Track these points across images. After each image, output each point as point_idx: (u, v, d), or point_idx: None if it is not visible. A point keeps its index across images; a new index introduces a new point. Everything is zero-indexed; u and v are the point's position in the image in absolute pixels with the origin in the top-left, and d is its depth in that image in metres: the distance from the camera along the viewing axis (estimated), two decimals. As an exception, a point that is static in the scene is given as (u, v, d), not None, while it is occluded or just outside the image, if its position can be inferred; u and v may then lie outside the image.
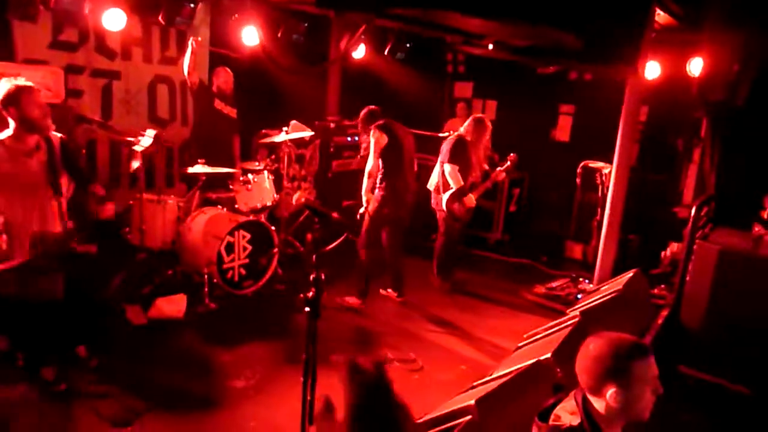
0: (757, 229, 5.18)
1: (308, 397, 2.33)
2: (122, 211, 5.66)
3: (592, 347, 1.78)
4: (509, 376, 3.19)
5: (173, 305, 4.77)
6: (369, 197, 5.33)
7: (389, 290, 5.64)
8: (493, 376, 3.47)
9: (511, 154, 6.04)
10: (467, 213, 5.86)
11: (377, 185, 5.29)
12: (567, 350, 3.44)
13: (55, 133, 3.45)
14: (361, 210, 5.34)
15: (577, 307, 4.52)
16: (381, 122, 5.27)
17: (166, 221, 5.16)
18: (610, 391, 1.72)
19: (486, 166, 6.17)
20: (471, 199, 5.74)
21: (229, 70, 5.91)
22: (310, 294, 2.26)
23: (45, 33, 5.52)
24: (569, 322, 3.90)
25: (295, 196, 2.66)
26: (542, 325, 4.33)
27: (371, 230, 5.30)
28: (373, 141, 5.17)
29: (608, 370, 1.71)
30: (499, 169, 5.99)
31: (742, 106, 5.13)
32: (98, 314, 4.49)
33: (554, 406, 1.89)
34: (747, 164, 5.68)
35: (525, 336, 4.13)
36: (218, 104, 5.76)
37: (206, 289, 4.97)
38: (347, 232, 2.80)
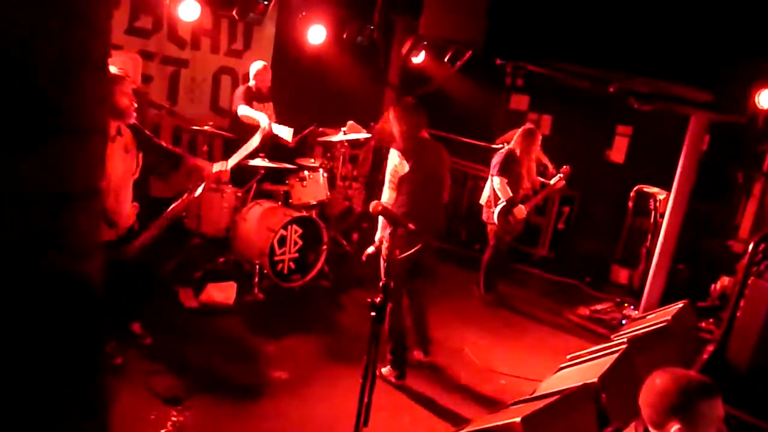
0: (816, 271, 5.02)
1: (365, 399, 2.39)
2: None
3: (659, 381, 1.79)
4: (555, 397, 3.18)
5: (223, 292, 4.91)
6: (383, 235, 4.12)
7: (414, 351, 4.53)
8: (537, 394, 3.47)
9: (565, 166, 5.99)
10: (518, 226, 5.84)
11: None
12: (613, 376, 3.42)
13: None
14: (369, 250, 4.28)
15: (622, 333, 4.47)
16: (409, 145, 4.13)
17: (223, 209, 5.31)
18: (674, 428, 1.73)
19: (540, 179, 6.15)
20: (522, 211, 5.71)
21: (268, 67, 5.90)
22: (378, 299, 2.32)
23: (123, 18, 5.76)
24: (616, 348, 3.87)
25: (372, 204, 2.70)
26: (583, 346, 4.30)
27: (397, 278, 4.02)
28: (391, 167, 4.11)
29: (674, 407, 1.72)
30: (553, 181, 5.95)
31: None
32: (153, 294, 4.66)
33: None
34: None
35: (568, 357, 4.11)
36: (255, 106, 5.76)
37: (256, 279, 5.10)
38: (422, 242, 2.82)
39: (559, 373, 3.93)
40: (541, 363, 4.70)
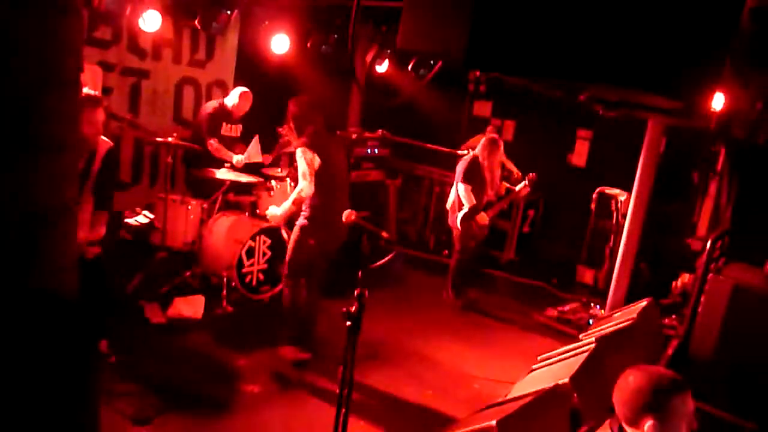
0: (770, 265, 5.23)
1: (343, 409, 2.38)
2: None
3: (632, 379, 1.83)
4: (528, 399, 3.22)
5: (191, 306, 4.82)
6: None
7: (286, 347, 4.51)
8: (509, 397, 3.51)
9: (531, 174, 6.11)
10: (481, 231, 5.94)
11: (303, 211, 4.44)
12: (584, 375, 3.49)
13: (105, 138, 3.52)
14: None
15: (590, 332, 4.56)
16: (312, 138, 4.28)
17: (189, 222, 5.23)
18: (648, 424, 1.77)
19: (506, 184, 6.26)
20: (483, 218, 5.83)
21: (249, 96, 5.78)
22: (353, 308, 2.32)
23: (80, 29, 5.62)
24: (585, 348, 3.94)
25: (345, 214, 2.71)
26: (553, 347, 4.37)
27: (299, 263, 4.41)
28: (305, 162, 4.22)
29: (647, 404, 1.77)
30: (518, 188, 6.07)
31: (763, 145, 5.20)
32: (118, 311, 4.55)
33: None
34: (763, 200, 5.74)
35: (539, 358, 4.17)
36: (224, 127, 5.71)
37: (224, 292, 5.03)
38: (396, 250, 2.83)
39: (531, 375, 3.99)
40: (513, 365, 4.76)
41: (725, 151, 6.31)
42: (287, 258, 4.46)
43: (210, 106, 5.74)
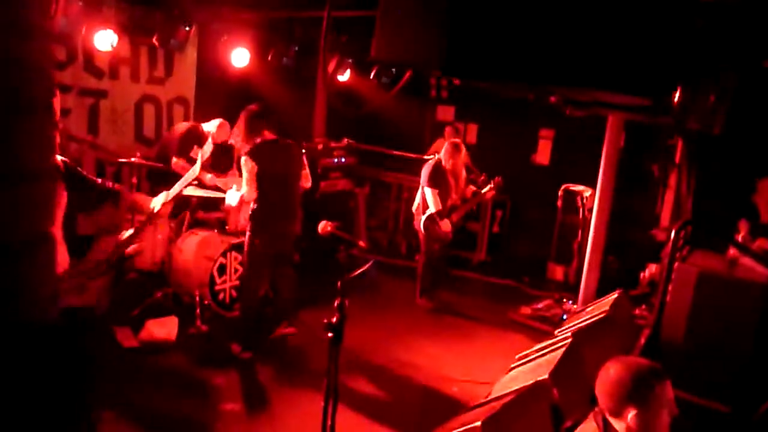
0: (732, 252, 5.41)
1: (329, 422, 2.36)
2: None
3: (613, 371, 1.87)
4: (510, 397, 3.25)
5: (164, 327, 4.72)
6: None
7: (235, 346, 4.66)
8: (491, 397, 3.54)
9: (497, 177, 6.20)
10: (446, 234, 5.99)
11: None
12: (563, 371, 3.54)
13: (58, 156, 3.43)
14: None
15: (564, 328, 4.64)
16: (254, 147, 4.59)
17: (157, 242, 5.13)
18: (631, 414, 1.81)
19: (472, 187, 6.33)
20: (447, 224, 5.89)
21: (228, 127, 5.81)
22: (334, 319, 2.30)
23: (33, 51, 5.48)
24: (562, 343, 4.00)
25: (321, 225, 2.71)
26: (529, 345, 4.42)
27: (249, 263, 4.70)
28: (246, 169, 4.53)
29: (629, 394, 1.81)
30: (484, 191, 6.16)
31: (718, 136, 5.38)
32: (87, 336, 4.42)
33: (573, 428, 1.97)
34: (722, 189, 5.94)
35: (517, 357, 4.22)
36: (195, 149, 5.58)
37: (197, 311, 4.94)
38: (373, 259, 2.82)
39: (510, 374, 4.02)
40: (491, 365, 4.79)
41: (683, 143, 6.51)
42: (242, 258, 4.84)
43: (183, 126, 5.69)
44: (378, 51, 1.27)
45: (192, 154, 5.61)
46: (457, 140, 6.36)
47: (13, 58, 0.80)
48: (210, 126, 5.68)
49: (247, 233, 4.69)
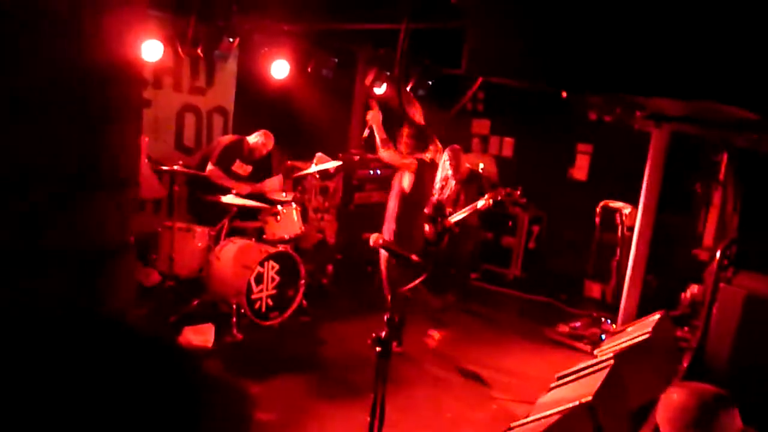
0: (780, 274, 5.22)
1: (375, 437, 2.32)
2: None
3: (676, 397, 1.80)
4: (554, 418, 3.18)
5: (201, 335, 4.75)
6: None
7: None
8: (532, 417, 3.46)
9: (500, 189, 5.93)
10: (436, 237, 5.87)
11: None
12: (605, 392, 3.45)
13: None
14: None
15: (604, 348, 4.52)
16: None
17: (195, 250, 5.18)
18: (696, 442, 1.73)
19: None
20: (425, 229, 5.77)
21: (272, 137, 5.91)
22: (383, 334, 2.27)
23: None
24: (603, 365, 3.90)
25: (372, 238, 2.70)
26: (567, 363, 4.32)
27: None
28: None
29: (694, 421, 1.73)
30: (479, 204, 5.81)
31: (766, 154, 5.22)
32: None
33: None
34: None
35: (556, 376, 4.12)
36: (237, 163, 5.74)
37: (234, 319, 4.97)
38: (425, 273, 2.79)
39: (551, 393, 3.93)
40: (529, 384, 4.70)
41: (728, 160, 6.33)
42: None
43: (227, 138, 5.78)
44: (470, 67, 1.24)
45: (234, 168, 5.68)
46: (457, 146, 6.34)
47: (111, 68, 0.80)
48: (255, 137, 5.76)
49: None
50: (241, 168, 5.76)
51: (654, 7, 1.06)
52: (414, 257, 2.69)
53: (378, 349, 2.25)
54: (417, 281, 2.44)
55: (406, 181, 4.97)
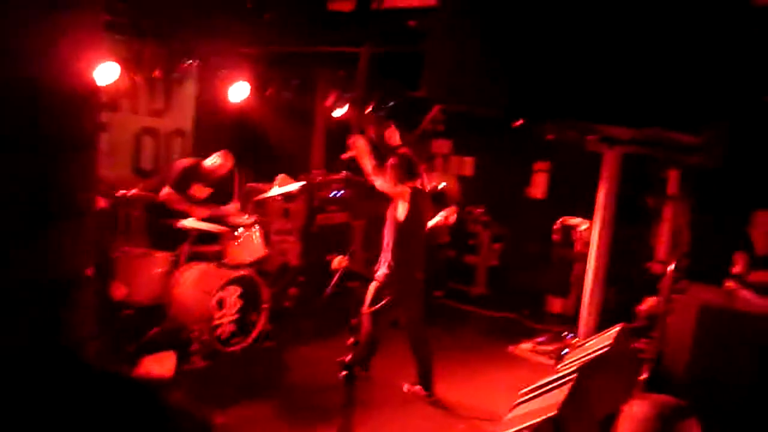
0: (729, 284, 5.44)
1: (343, 463, 2.29)
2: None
3: (637, 409, 1.84)
4: (520, 436, 3.20)
5: (161, 364, 4.62)
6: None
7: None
8: (500, 435, 3.48)
9: (450, 207, 6.03)
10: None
11: None
12: (570, 406, 3.49)
13: None
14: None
15: (567, 362, 4.59)
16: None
17: (154, 276, 5.06)
18: (658, 453, 1.77)
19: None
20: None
21: (231, 156, 5.79)
22: (348, 358, 2.26)
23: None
24: (567, 378, 3.96)
25: (336, 260, 2.68)
26: (532, 379, 4.35)
27: None
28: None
29: (655, 432, 1.77)
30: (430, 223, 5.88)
31: (713, 169, 5.45)
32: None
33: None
34: (717, 222, 5.99)
35: (521, 392, 4.16)
36: (194, 186, 5.63)
37: (195, 347, 4.85)
38: (390, 295, 2.77)
39: (516, 410, 3.96)
40: (495, 401, 4.72)
41: (678, 176, 6.58)
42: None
43: (184, 161, 5.68)
44: (430, 92, 1.25)
45: (191, 191, 5.59)
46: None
47: (64, 94, 0.78)
48: (212, 159, 5.66)
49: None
50: (198, 191, 5.67)
51: (605, 40, 1.11)
52: (375, 279, 2.68)
53: (344, 373, 2.23)
54: (383, 302, 2.43)
55: (400, 210, 4.80)
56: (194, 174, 5.58)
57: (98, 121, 0.97)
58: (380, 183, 4.76)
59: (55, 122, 0.76)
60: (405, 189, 4.75)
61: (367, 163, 4.82)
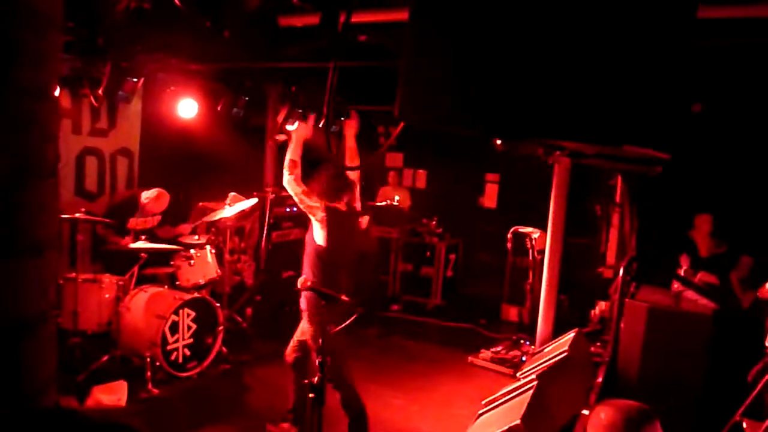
0: (676, 285, 5.65)
1: (312, 488, 2.23)
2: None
3: (603, 416, 1.87)
4: (486, 446, 3.21)
5: (113, 393, 4.42)
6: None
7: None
8: (465, 447, 3.48)
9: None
10: None
11: None
12: (533, 414, 3.54)
13: None
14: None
15: (526, 370, 4.66)
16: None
17: (103, 301, 4.85)
18: (625, 458, 1.80)
19: None
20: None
21: (167, 197, 5.59)
22: (315, 379, 2.21)
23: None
24: (528, 386, 4.01)
25: (300, 280, 2.62)
26: (492, 389, 4.40)
27: None
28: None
29: (622, 437, 1.81)
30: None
31: (656, 176, 5.67)
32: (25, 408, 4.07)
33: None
34: (662, 226, 6.23)
35: (483, 402, 4.18)
36: (132, 223, 5.45)
37: (149, 374, 4.66)
38: (356, 313, 2.69)
39: (479, 420, 3.98)
40: (458, 412, 4.74)
41: (623, 183, 6.81)
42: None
43: (122, 194, 5.53)
44: (403, 112, 1.24)
45: (130, 225, 5.41)
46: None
47: (27, 116, 0.73)
48: (148, 194, 5.50)
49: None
50: (144, 222, 5.51)
51: (581, 59, 1.14)
52: (344, 297, 2.65)
53: (311, 395, 2.18)
54: (348, 321, 2.40)
55: (318, 233, 4.10)
56: (131, 205, 5.41)
57: (57, 146, 0.91)
58: (289, 180, 4.01)
59: (14, 149, 0.71)
60: (318, 204, 4.03)
61: (293, 153, 4.10)
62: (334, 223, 4.00)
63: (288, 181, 4.00)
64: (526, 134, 1.21)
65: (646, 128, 1.15)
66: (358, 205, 4.35)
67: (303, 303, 3.83)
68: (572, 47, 1.11)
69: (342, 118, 4.82)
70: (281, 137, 4.68)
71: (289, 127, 4.51)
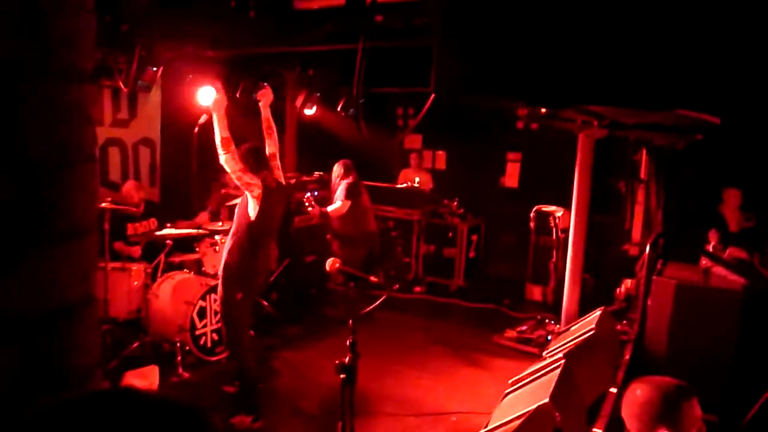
0: (704, 262, 5.56)
1: (345, 468, 2.25)
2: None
3: (640, 393, 1.85)
4: (514, 424, 3.21)
5: (145, 378, 4.51)
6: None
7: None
8: (492, 426, 3.48)
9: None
10: None
11: None
12: (560, 393, 3.53)
13: None
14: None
15: (552, 349, 4.63)
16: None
17: (132, 289, 4.93)
18: (661, 434, 1.79)
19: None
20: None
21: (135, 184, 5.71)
22: (347, 359, 2.22)
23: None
24: (555, 365, 3.99)
25: (328, 262, 2.64)
26: (518, 368, 4.40)
27: None
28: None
29: (660, 414, 1.79)
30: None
31: (683, 150, 5.56)
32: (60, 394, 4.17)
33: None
34: (689, 201, 6.12)
35: (510, 381, 4.18)
36: (131, 229, 5.48)
37: (179, 358, 4.75)
38: (386, 294, 2.70)
39: (506, 399, 3.98)
40: (484, 392, 4.75)
41: (649, 158, 6.69)
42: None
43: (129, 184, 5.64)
44: (439, 89, 1.21)
45: (129, 233, 5.47)
46: (348, 161, 6.58)
47: (63, 102, 0.73)
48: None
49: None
50: (142, 227, 5.54)
51: (622, 27, 1.11)
52: (373, 278, 2.66)
53: (342, 376, 2.20)
54: (376, 303, 2.41)
55: (251, 207, 4.16)
56: (124, 219, 5.43)
57: (95, 134, 0.91)
58: (227, 159, 4.01)
59: (51, 137, 0.71)
60: (256, 181, 4.10)
61: (221, 130, 4.07)
62: (267, 198, 4.15)
63: (226, 159, 4.03)
64: (569, 102, 1.19)
65: (700, 93, 1.12)
66: (282, 179, 4.54)
67: (220, 270, 4.21)
68: (632, 18, 1.07)
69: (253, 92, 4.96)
70: (202, 119, 4.74)
71: (204, 104, 4.63)
